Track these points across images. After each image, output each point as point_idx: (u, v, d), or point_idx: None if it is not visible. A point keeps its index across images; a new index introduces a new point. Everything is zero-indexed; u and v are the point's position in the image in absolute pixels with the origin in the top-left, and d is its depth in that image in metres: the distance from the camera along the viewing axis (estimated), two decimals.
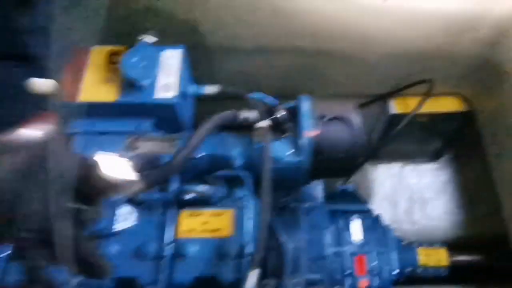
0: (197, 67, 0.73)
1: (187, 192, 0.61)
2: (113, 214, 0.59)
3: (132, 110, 0.66)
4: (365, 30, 0.81)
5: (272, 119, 0.64)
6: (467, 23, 0.80)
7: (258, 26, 0.80)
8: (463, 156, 1.22)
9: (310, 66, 0.89)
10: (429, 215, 1.26)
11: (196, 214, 0.63)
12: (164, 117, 0.68)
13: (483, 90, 0.97)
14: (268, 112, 0.65)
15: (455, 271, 1.06)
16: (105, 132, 0.65)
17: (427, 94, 0.91)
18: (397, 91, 1.02)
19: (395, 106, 1.08)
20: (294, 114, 0.67)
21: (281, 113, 0.64)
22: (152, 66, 0.65)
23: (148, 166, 0.60)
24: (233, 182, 0.67)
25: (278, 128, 0.65)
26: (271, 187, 0.59)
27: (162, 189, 0.62)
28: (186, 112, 0.72)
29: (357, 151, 0.64)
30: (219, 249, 0.60)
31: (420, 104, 0.93)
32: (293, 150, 0.65)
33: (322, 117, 0.64)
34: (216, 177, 0.66)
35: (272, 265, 0.83)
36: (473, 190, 1.20)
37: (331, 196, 1.02)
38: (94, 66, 0.66)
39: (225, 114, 0.65)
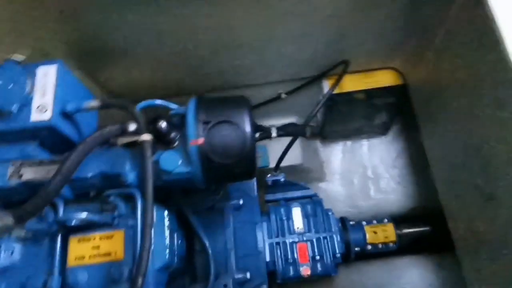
0: None
1: (70, 220, 0.58)
2: None
3: (10, 136, 0.62)
4: None
5: (154, 131, 0.60)
6: None
7: None
8: (411, 128, 1.18)
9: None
10: (383, 189, 1.25)
11: (86, 239, 0.60)
12: (48, 139, 0.64)
13: (411, 62, 0.92)
14: (152, 123, 0.61)
15: (404, 244, 1.06)
16: None
17: (342, 74, 0.87)
18: (321, 75, 0.98)
19: (329, 85, 1.03)
20: (183, 121, 0.63)
21: (162, 124, 0.60)
22: (21, 88, 0.60)
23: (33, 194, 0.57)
24: (130, 198, 0.65)
25: (162, 140, 0.61)
26: (152, 206, 0.56)
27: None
28: (78, 129, 0.68)
29: (248, 153, 0.60)
30: (111, 274, 0.58)
31: (335, 85, 0.90)
32: (182, 161, 0.62)
33: (207, 122, 0.60)
34: (107, 196, 0.63)
35: (200, 269, 0.83)
36: (422, 161, 1.17)
37: (272, 186, 1.00)
38: None
39: (109, 130, 0.61)
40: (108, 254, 0.59)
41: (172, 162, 0.61)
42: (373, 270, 1.16)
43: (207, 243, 0.78)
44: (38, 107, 0.61)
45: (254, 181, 0.94)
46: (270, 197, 1.00)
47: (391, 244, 1.04)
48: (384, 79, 1.02)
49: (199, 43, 0.79)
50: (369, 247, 1.03)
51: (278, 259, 0.91)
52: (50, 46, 0.73)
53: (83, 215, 0.58)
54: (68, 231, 0.61)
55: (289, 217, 0.97)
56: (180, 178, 0.63)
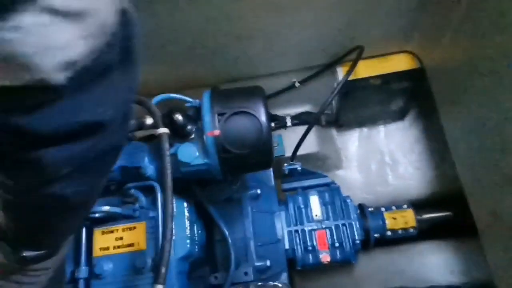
0: None
1: (93, 213, 0.60)
2: None
3: None
4: None
5: (171, 124, 0.61)
6: None
7: None
8: (429, 112, 1.16)
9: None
10: (401, 175, 1.23)
11: (110, 231, 0.62)
12: None
13: (428, 44, 0.89)
14: (168, 116, 0.62)
15: (424, 229, 1.05)
16: None
17: (357, 60, 0.86)
18: (335, 62, 0.96)
19: (343, 72, 1.02)
20: (198, 114, 0.64)
21: (178, 117, 0.61)
22: None
23: None
24: (150, 190, 0.66)
25: (179, 133, 0.62)
26: (172, 197, 0.57)
27: None
28: None
29: (264, 143, 0.60)
30: (134, 263, 0.60)
31: (350, 71, 0.88)
32: (199, 153, 0.62)
33: (222, 114, 0.60)
34: (128, 189, 0.65)
35: (221, 258, 0.84)
36: (441, 145, 1.15)
37: (289, 175, 1.01)
38: None
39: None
40: (131, 245, 0.61)
41: (190, 154, 0.62)
42: (394, 256, 1.15)
43: (226, 233, 0.80)
44: None
45: (271, 171, 0.95)
46: (287, 186, 1.00)
47: (411, 230, 1.03)
48: (400, 63, 1.00)
49: (211, 35, 0.79)
50: (389, 233, 1.02)
51: (297, 247, 0.92)
52: None
53: (106, 208, 0.60)
54: (92, 223, 0.63)
55: (307, 205, 0.97)
56: (198, 169, 0.64)
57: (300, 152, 1.04)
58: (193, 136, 0.64)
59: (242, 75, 1.02)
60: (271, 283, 0.69)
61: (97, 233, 0.62)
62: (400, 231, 1.02)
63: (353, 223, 0.95)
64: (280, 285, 0.70)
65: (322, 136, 1.25)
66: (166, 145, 0.59)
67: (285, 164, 0.99)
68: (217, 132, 0.60)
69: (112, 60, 0.29)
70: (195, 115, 0.64)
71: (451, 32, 0.79)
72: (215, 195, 0.83)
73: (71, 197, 0.36)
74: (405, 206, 1.05)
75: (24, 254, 0.44)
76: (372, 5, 0.76)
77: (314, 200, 0.99)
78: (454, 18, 0.75)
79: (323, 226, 0.95)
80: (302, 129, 1.00)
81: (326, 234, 0.95)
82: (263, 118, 0.60)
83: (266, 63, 0.95)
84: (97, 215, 0.60)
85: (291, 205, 0.96)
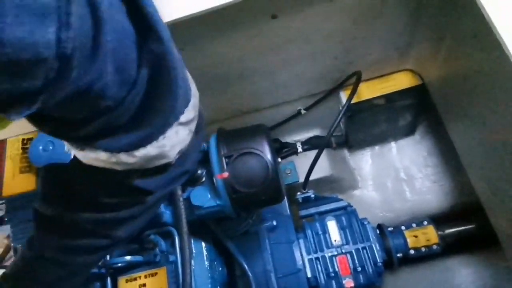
0: None
1: (116, 263, 0.63)
2: None
3: None
4: None
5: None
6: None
7: None
8: (439, 124, 1.16)
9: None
10: (419, 190, 1.22)
11: (133, 279, 0.65)
12: None
13: (425, 61, 0.91)
14: None
15: (449, 244, 1.03)
16: None
17: (356, 85, 0.89)
18: (336, 87, 0.99)
19: (346, 97, 1.04)
20: (206, 157, 0.67)
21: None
22: (60, 148, 0.67)
23: None
24: (168, 235, 0.69)
25: (190, 177, 0.65)
26: (188, 242, 0.60)
27: None
28: None
29: (272, 180, 0.63)
30: None
31: (351, 96, 0.91)
32: (210, 195, 0.65)
33: (229, 156, 0.63)
34: (147, 235, 0.67)
35: None
36: (455, 156, 1.14)
37: (303, 203, 1.02)
38: (11, 157, 0.70)
39: None
40: None
41: (202, 197, 0.65)
42: (421, 273, 1.13)
43: (246, 267, 0.81)
44: None
45: (285, 201, 0.96)
46: (304, 212, 1.01)
47: (434, 247, 1.01)
48: (401, 81, 1.02)
49: (213, 77, 0.83)
50: (412, 252, 1.01)
51: (320, 274, 0.92)
52: None
53: (127, 258, 0.63)
54: (116, 272, 0.65)
55: (325, 230, 0.98)
56: (211, 211, 0.66)
57: (314, 176, 1.06)
58: (203, 179, 0.66)
59: (248, 109, 1.06)
60: None
61: (122, 281, 0.65)
62: (423, 249, 1.01)
63: (373, 245, 0.95)
64: None
65: (334, 158, 1.26)
66: (179, 192, 0.62)
67: (298, 193, 1.00)
68: (225, 174, 0.63)
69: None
70: (203, 159, 0.67)
71: (445, 48, 0.81)
72: (232, 231, 0.84)
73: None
74: (425, 222, 1.04)
75: None
76: (365, 32, 0.79)
77: (332, 225, 0.99)
78: (447, 35, 0.77)
79: (343, 251, 0.95)
80: (313, 153, 1.02)
81: (347, 259, 0.95)
82: (268, 156, 0.63)
83: (269, 96, 0.98)
84: (119, 264, 0.63)
85: (309, 232, 0.96)
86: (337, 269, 0.94)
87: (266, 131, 0.67)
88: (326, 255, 0.95)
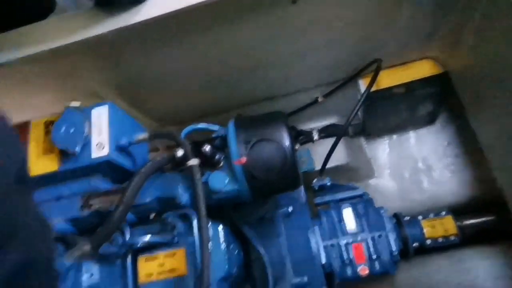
0: None
1: (136, 243, 0.65)
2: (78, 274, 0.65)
3: (78, 173, 0.70)
4: None
5: (200, 155, 0.65)
6: None
7: None
8: (460, 114, 1.14)
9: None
10: (437, 180, 1.20)
11: (152, 258, 0.67)
12: (109, 171, 0.72)
13: (449, 48, 0.89)
14: (196, 148, 0.66)
15: (468, 236, 1.01)
16: (60, 197, 0.71)
17: (376, 74, 0.87)
18: (355, 75, 0.98)
19: (364, 84, 1.03)
20: (225, 142, 0.67)
21: (206, 148, 0.65)
22: (80, 131, 0.68)
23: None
24: (186, 218, 0.70)
25: (208, 162, 0.66)
26: (206, 224, 0.61)
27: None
28: (133, 158, 0.75)
29: (289, 167, 0.63)
30: None
31: (371, 85, 0.89)
32: (228, 180, 0.66)
33: (248, 142, 0.64)
34: (166, 217, 0.69)
35: (259, 277, 0.86)
36: (476, 147, 1.12)
37: (319, 190, 1.02)
38: (35, 139, 0.72)
39: (159, 160, 0.67)
40: (173, 270, 0.65)
41: (220, 181, 0.66)
42: (438, 264, 1.12)
43: (262, 252, 0.82)
44: (97, 145, 0.69)
45: (301, 187, 0.97)
46: (319, 200, 1.01)
47: (452, 238, 1.00)
48: (423, 69, 1.00)
49: (230, 68, 0.83)
50: (429, 241, 1.00)
51: (334, 261, 0.93)
52: (103, 92, 0.82)
53: (147, 237, 0.64)
54: (136, 251, 0.67)
55: (340, 218, 0.98)
56: (228, 195, 0.67)
57: (330, 164, 1.05)
58: (222, 164, 0.67)
59: (265, 97, 1.05)
60: None
61: (141, 260, 0.67)
62: (440, 239, 1.00)
63: (389, 234, 0.94)
64: None
65: (351, 146, 1.25)
66: (198, 176, 0.63)
67: (314, 180, 1.00)
68: (243, 160, 0.63)
69: None
70: (222, 144, 0.68)
71: (472, 33, 0.78)
72: (248, 216, 0.86)
73: None
74: (443, 213, 1.03)
75: None
76: (387, 20, 0.77)
77: (348, 213, 0.99)
78: (473, 18, 0.74)
79: (359, 238, 0.95)
80: (330, 141, 1.01)
81: (362, 247, 0.95)
82: (286, 143, 0.63)
83: (286, 84, 0.98)
84: (139, 244, 0.65)
85: (324, 220, 0.97)
86: (352, 257, 0.94)
87: (284, 118, 0.67)
88: (341, 242, 0.95)
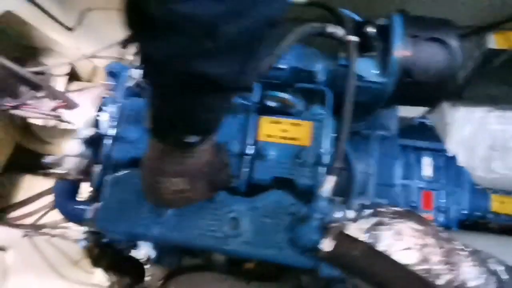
0: None
1: (270, 98, 0.64)
2: None
3: None
4: None
5: (361, 35, 0.62)
6: None
7: None
8: None
9: None
10: (510, 166, 1.18)
11: (276, 122, 0.66)
12: None
13: None
14: (356, 28, 0.63)
15: None
16: None
17: None
18: (499, 23, 0.91)
19: (495, 41, 0.97)
20: (384, 32, 0.64)
21: (370, 29, 0.62)
22: None
23: None
24: (311, 98, 0.69)
25: (365, 46, 0.63)
26: (351, 104, 0.60)
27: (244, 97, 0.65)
28: None
29: (451, 78, 0.60)
30: (297, 156, 0.64)
31: (499, 42, 0.84)
32: (378, 70, 0.64)
33: (415, 36, 0.61)
34: (296, 89, 0.68)
35: (341, 185, 0.87)
36: None
37: (406, 129, 1.00)
38: None
39: (313, 26, 0.65)
40: (295, 139, 0.65)
41: (368, 69, 0.64)
42: (492, 246, 1.12)
43: (354, 163, 0.82)
44: None
45: (396, 118, 0.94)
46: (400, 141, 0.99)
47: None
48: None
49: None
50: (491, 215, 1.00)
51: (400, 199, 0.93)
52: None
53: (284, 95, 0.63)
54: (262, 111, 0.67)
55: (419, 162, 0.97)
56: (368, 87, 0.65)
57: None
58: (375, 53, 0.65)
59: None
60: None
61: (264, 120, 0.66)
62: (504, 216, 1.00)
63: (465, 192, 0.94)
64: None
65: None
66: (355, 53, 0.61)
67: (417, 116, 0.98)
68: (407, 52, 0.61)
69: None
70: (381, 33, 0.65)
71: None
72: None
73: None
74: None
75: (185, 140, 0.46)
76: None
77: (427, 161, 0.98)
78: None
79: (432, 187, 0.95)
80: None
81: (432, 195, 0.96)
82: (457, 51, 0.60)
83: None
84: (270, 103, 0.64)
85: (403, 159, 0.96)
86: (419, 202, 0.95)
87: (456, 26, 0.63)
88: (413, 184, 0.95)
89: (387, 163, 0.89)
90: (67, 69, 1.34)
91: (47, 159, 0.69)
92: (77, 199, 0.70)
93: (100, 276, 1.24)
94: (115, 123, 0.69)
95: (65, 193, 0.68)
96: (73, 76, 1.38)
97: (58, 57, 1.33)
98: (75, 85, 1.38)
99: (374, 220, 0.60)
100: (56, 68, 1.27)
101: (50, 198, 1.26)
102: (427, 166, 0.98)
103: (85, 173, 0.70)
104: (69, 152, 0.70)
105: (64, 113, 0.77)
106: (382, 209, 0.63)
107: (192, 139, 0.46)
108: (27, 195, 1.33)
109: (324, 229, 0.54)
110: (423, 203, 0.95)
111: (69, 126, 1.32)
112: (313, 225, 0.55)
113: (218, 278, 1.16)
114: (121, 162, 0.67)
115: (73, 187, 0.69)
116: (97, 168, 0.70)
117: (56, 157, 0.69)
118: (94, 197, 0.69)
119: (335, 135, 0.62)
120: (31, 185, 1.49)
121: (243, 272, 0.94)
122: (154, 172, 0.52)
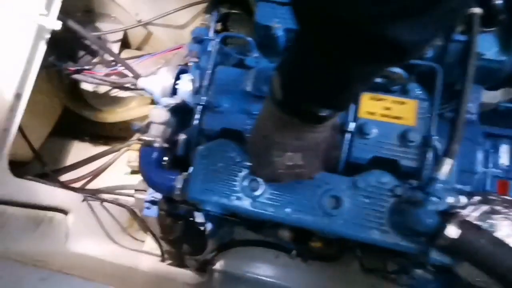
0: None
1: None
2: None
3: None
4: None
5: (487, 7, 0.57)
6: None
7: None
8: None
9: None
10: None
11: (378, 99, 0.62)
12: None
13: None
14: None
15: None
16: None
17: None
18: None
19: None
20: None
21: (498, 1, 0.57)
22: None
23: None
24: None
25: (489, 19, 0.58)
26: (471, 80, 0.55)
27: None
28: None
29: None
30: (403, 136, 0.60)
31: None
32: (499, 47, 0.59)
33: None
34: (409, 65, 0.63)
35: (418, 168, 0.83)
36: None
37: (487, 114, 0.95)
38: None
39: None
40: (399, 117, 0.61)
41: (487, 45, 0.59)
42: None
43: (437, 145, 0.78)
44: None
45: (480, 102, 0.89)
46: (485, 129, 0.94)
47: None
48: None
49: None
50: None
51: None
52: None
53: (395, 69, 0.59)
54: None
55: (496, 150, 0.92)
56: (485, 65, 0.60)
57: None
58: (497, 29, 0.59)
59: None
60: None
61: (365, 97, 0.62)
62: None
63: None
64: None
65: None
66: (477, 26, 0.56)
67: (502, 100, 0.92)
68: None
69: None
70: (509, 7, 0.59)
71: None
72: None
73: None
74: None
75: (320, 114, 0.44)
76: None
77: (505, 149, 0.94)
78: None
79: (509, 176, 0.91)
80: None
81: (508, 185, 0.91)
82: None
83: None
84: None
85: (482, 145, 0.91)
86: (494, 190, 0.90)
87: None
88: (489, 172, 0.90)
89: (469, 148, 0.85)
90: (120, 35, 1.31)
91: (135, 125, 0.67)
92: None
93: (150, 244, 1.25)
94: (203, 92, 0.67)
95: (152, 161, 0.66)
96: (124, 43, 1.36)
97: (113, 22, 1.30)
98: (126, 52, 1.36)
99: (484, 208, 0.57)
100: (111, 34, 1.24)
101: (97, 164, 1.25)
102: (504, 154, 0.93)
103: (170, 142, 0.68)
104: (154, 120, 0.68)
105: (139, 81, 0.74)
106: (493, 197, 0.59)
107: (326, 112, 0.43)
108: (74, 160, 1.33)
109: (445, 215, 0.51)
110: (499, 192, 0.91)
111: (120, 94, 1.31)
112: (430, 209, 0.52)
113: (270, 254, 1.16)
114: (212, 132, 0.65)
115: (159, 155, 0.67)
116: (182, 137, 0.68)
117: (142, 123, 0.67)
118: (178, 166, 0.67)
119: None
120: (78, 150, 1.49)
121: (306, 250, 0.93)
122: (270, 146, 0.49)
